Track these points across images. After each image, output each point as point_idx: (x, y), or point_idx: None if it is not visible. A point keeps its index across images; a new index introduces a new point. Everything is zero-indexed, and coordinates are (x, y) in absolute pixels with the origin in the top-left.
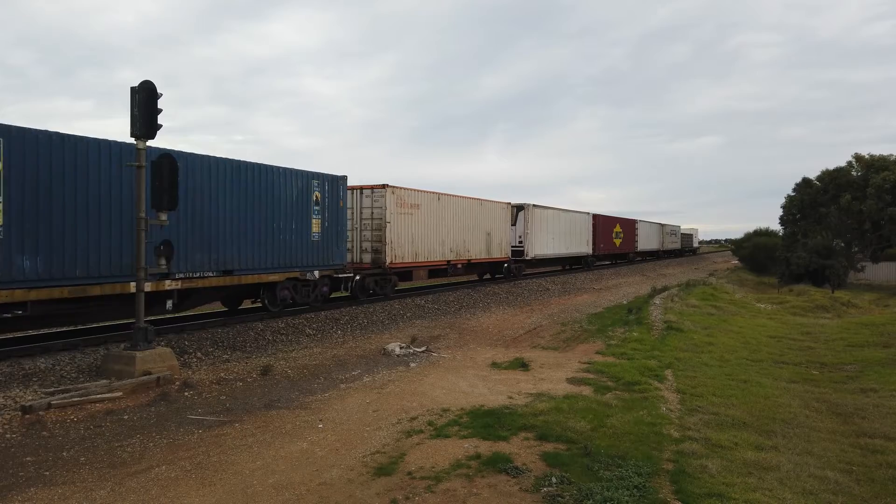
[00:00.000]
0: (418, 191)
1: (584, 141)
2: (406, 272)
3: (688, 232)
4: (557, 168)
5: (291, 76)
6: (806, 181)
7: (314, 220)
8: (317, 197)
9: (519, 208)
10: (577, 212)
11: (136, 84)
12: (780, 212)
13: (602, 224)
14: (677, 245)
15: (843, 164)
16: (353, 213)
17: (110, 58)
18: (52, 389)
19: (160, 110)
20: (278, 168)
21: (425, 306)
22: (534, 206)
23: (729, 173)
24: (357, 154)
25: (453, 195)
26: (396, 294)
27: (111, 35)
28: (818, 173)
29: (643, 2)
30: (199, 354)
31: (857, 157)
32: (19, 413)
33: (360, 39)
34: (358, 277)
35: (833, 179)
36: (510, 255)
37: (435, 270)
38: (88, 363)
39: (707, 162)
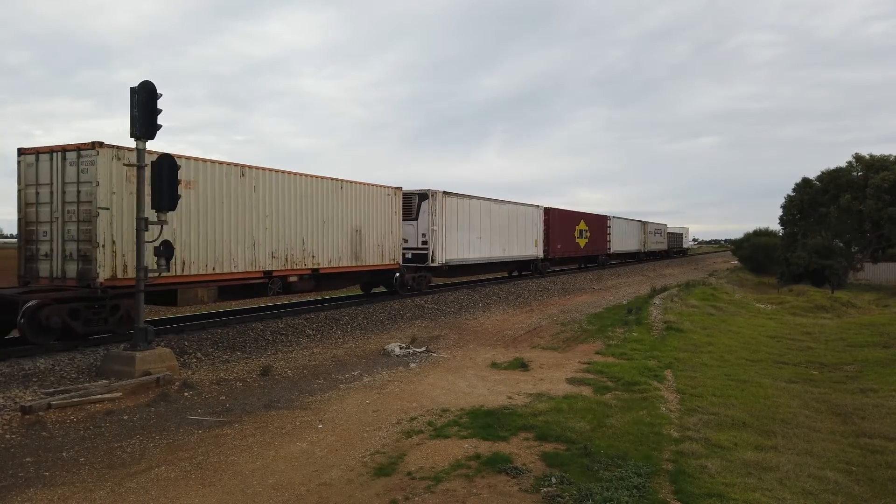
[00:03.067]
0: (194, 159)
1: (584, 141)
2: (167, 292)
3: (676, 231)
4: (557, 168)
5: (290, 76)
6: (805, 181)
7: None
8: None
9: (422, 197)
10: (518, 204)
11: (135, 84)
12: (779, 212)
13: (558, 220)
14: (663, 246)
15: (842, 164)
16: (51, 194)
17: (110, 58)
18: (51, 390)
19: (160, 110)
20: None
21: (425, 306)
22: (445, 193)
23: (729, 173)
24: (357, 154)
25: (278, 170)
26: (397, 294)
27: (110, 35)
28: (818, 173)
29: (643, 2)
30: (198, 355)
31: (857, 158)
32: (19, 413)
33: (360, 39)
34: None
35: (833, 179)
36: (403, 260)
37: (236, 288)
38: (88, 363)
39: (707, 162)
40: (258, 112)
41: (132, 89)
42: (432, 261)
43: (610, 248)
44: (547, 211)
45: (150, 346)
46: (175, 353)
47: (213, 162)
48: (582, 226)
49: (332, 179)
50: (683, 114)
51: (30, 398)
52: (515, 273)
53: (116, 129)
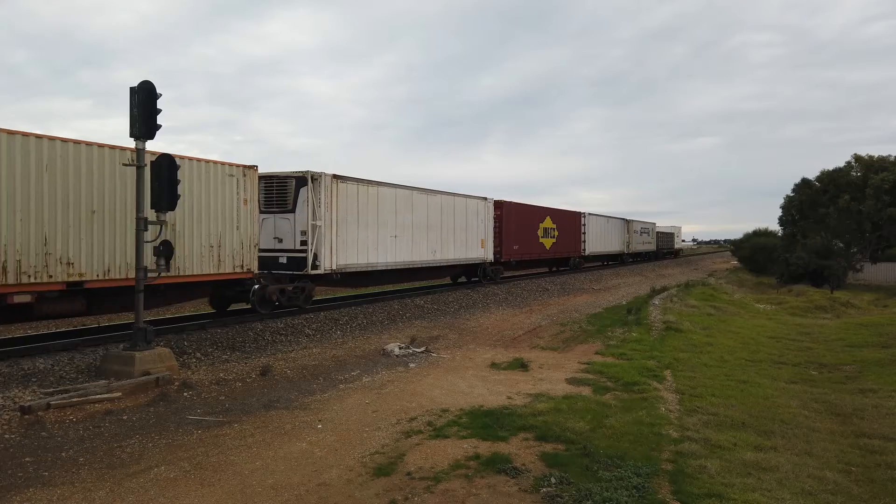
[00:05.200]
0: None
1: (584, 141)
2: None
3: (667, 230)
4: (557, 168)
5: (290, 76)
6: (805, 182)
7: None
8: None
9: (300, 181)
10: (456, 195)
11: (135, 84)
12: (779, 212)
13: (514, 216)
14: (651, 246)
15: (842, 164)
16: None
17: (109, 58)
18: (51, 390)
19: (160, 110)
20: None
21: (425, 306)
22: (335, 177)
23: (728, 174)
24: (357, 154)
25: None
26: (395, 294)
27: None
28: (817, 174)
29: (642, 2)
30: (198, 355)
31: (857, 158)
32: (18, 413)
33: (359, 39)
34: None
35: (832, 180)
36: (274, 266)
37: None
38: (87, 363)
39: (706, 162)
40: (257, 112)
41: (132, 89)
42: (314, 267)
43: (585, 250)
44: (499, 205)
45: (149, 346)
46: (174, 353)
47: None
48: (547, 223)
49: (112, 147)
50: (683, 114)
51: (29, 398)
52: (463, 279)
53: (115, 129)
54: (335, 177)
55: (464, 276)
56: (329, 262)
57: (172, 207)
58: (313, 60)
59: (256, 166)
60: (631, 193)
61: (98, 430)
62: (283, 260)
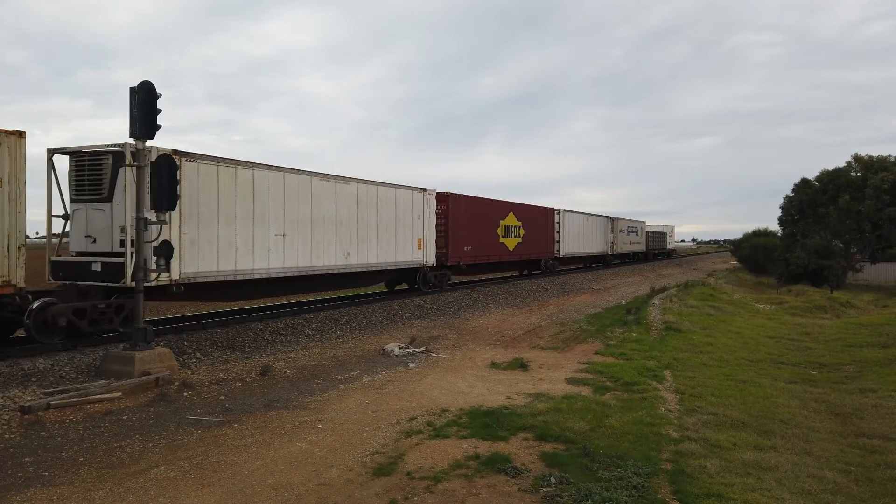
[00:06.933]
0: None
1: (584, 141)
2: None
3: (658, 230)
4: (557, 168)
5: (289, 76)
6: (805, 182)
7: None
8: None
9: (119, 158)
10: (380, 184)
11: (134, 84)
12: (778, 212)
13: (465, 212)
14: (640, 246)
15: (841, 164)
16: None
17: (108, 58)
18: (50, 390)
19: (160, 110)
20: None
21: (424, 306)
22: (176, 153)
23: (728, 174)
24: (357, 154)
25: None
26: (395, 294)
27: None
28: (817, 174)
29: (642, 2)
30: (198, 355)
31: (857, 158)
32: (18, 413)
33: (359, 39)
34: None
35: (832, 180)
36: (23, 277)
37: None
38: (87, 363)
39: (706, 162)
40: (257, 112)
41: (132, 89)
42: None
43: (560, 251)
44: (443, 198)
45: (149, 346)
46: (174, 353)
47: None
48: (511, 220)
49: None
50: (683, 114)
51: (29, 398)
52: (404, 286)
53: (115, 129)
54: (175, 153)
55: (405, 282)
56: (173, 269)
57: (172, 207)
58: (313, 60)
59: (22, 132)
60: (631, 193)
61: (98, 430)
62: (97, 267)
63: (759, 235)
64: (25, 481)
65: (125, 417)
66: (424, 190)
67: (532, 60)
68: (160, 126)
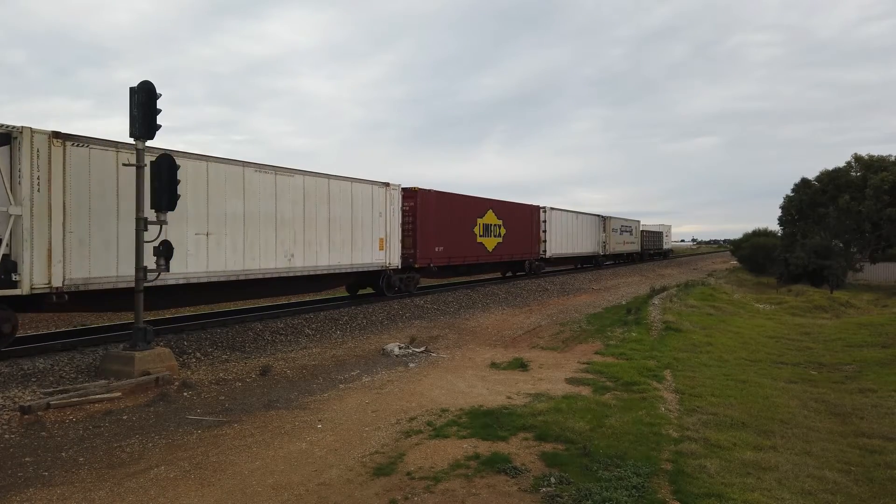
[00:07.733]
0: None
1: (584, 141)
2: None
3: (654, 229)
4: (557, 168)
5: (289, 76)
6: (804, 182)
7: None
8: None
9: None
10: (333, 177)
11: (134, 84)
12: (778, 212)
13: (436, 209)
14: (634, 247)
15: (841, 164)
16: None
17: (108, 57)
18: (50, 390)
19: (160, 110)
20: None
21: (424, 306)
22: (56, 135)
23: (728, 174)
24: (356, 154)
25: None
26: (394, 294)
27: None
28: (817, 174)
29: (642, 2)
30: (198, 355)
31: (856, 158)
32: (18, 413)
33: (359, 39)
34: None
35: (832, 180)
36: None
37: None
38: (87, 363)
39: (706, 162)
40: (257, 111)
41: (132, 89)
42: (7, 283)
43: (546, 251)
44: (411, 194)
45: (149, 346)
46: (174, 352)
47: None
48: (490, 219)
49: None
50: (682, 114)
51: (29, 398)
52: (370, 291)
53: (114, 129)
54: (56, 135)
55: (371, 287)
56: (44, 274)
57: (172, 207)
58: (313, 60)
59: None
60: (631, 193)
61: (98, 429)
62: None
63: (759, 235)
64: (25, 481)
65: (125, 417)
66: (387, 184)
67: (532, 60)
68: (160, 126)
